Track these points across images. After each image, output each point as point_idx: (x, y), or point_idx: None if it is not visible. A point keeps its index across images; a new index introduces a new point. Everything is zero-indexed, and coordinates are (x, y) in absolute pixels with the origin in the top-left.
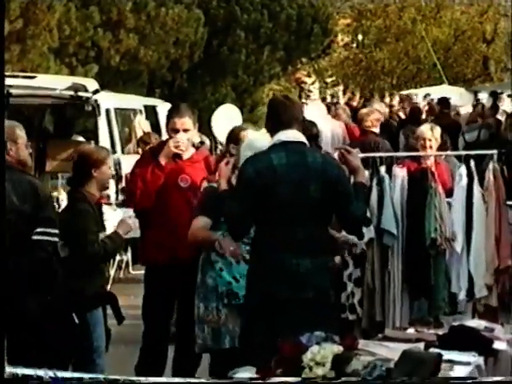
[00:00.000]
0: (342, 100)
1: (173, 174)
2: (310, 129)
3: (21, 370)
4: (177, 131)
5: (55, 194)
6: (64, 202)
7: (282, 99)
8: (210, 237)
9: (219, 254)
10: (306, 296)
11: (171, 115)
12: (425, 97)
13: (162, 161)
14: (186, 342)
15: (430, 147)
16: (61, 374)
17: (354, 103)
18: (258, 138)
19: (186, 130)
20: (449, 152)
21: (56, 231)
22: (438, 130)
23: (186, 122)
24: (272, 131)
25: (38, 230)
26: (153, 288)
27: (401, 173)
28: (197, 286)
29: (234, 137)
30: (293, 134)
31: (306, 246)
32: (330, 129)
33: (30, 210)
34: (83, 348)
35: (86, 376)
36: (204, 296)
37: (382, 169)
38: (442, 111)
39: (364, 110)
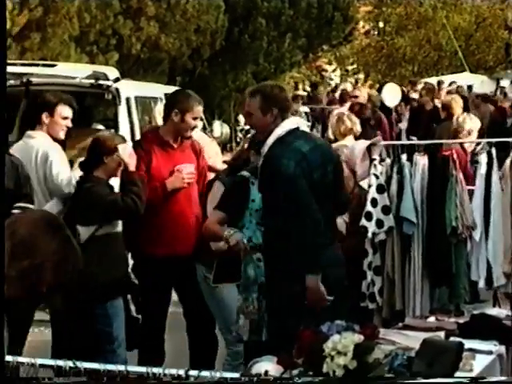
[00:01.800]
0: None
1: (167, 163)
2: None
3: (41, 361)
4: (196, 119)
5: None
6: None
7: (282, 87)
8: (218, 232)
9: (257, 246)
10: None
11: (191, 102)
12: (450, 84)
13: (168, 187)
14: (200, 333)
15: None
16: (81, 364)
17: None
18: None
19: (195, 118)
20: (470, 140)
21: (33, 207)
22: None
23: (201, 110)
24: (279, 112)
25: (17, 204)
26: (150, 281)
27: (421, 161)
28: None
29: None
30: (297, 121)
31: (329, 229)
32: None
33: (12, 186)
34: (103, 338)
35: (108, 368)
36: (244, 287)
37: (404, 156)
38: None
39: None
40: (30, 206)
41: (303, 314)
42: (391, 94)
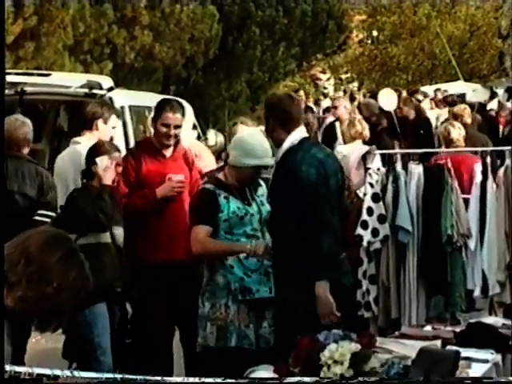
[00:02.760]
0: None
1: (159, 173)
2: None
3: (37, 370)
4: (167, 126)
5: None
6: None
7: (289, 98)
8: (230, 248)
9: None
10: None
11: (163, 108)
12: (435, 91)
13: (159, 195)
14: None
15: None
16: (78, 373)
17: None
18: (247, 137)
19: (177, 127)
20: (465, 148)
21: (54, 214)
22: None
23: (179, 118)
24: (283, 128)
25: (39, 211)
26: (150, 289)
27: (416, 169)
28: (203, 284)
29: (229, 130)
30: (304, 131)
31: (339, 237)
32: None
33: (34, 194)
34: (86, 345)
35: (102, 376)
36: (211, 294)
37: (398, 165)
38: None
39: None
40: (52, 214)
41: (311, 321)
42: (388, 99)
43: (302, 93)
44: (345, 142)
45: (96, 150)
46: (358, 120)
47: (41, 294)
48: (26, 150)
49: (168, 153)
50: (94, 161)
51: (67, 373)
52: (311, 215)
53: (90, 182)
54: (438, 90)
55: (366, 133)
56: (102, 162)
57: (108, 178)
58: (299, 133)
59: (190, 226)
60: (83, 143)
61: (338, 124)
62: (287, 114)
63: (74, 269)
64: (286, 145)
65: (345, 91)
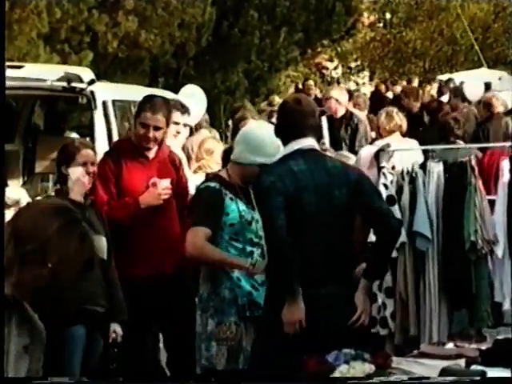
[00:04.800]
0: (369, 87)
1: (142, 177)
2: None
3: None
4: (147, 127)
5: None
6: None
7: (296, 106)
8: (228, 260)
9: None
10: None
11: (143, 108)
12: (446, 82)
13: (142, 204)
14: (184, 364)
15: None
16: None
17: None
18: (256, 131)
19: (157, 128)
20: (491, 144)
21: None
22: None
23: (160, 119)
24: (284, 139)
25: None
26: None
27: (436, 168)
28: (203, 298)
29: (234, 126)
30: (309, 142)
31: (333, 257)
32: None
33: None
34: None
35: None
36: (217, 310)
37: (416, 164)
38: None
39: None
40: None
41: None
42: (475, 90)
43: (311, 82)
44: (381, 136)
45: (65, 150)
46: (396, 112)
47: (37, 276)
48: None
49: (151, 154)
50: (65, 162)
51: (66, 379)
52: (265, 227)
53: (64, 188)
54: (450, 80)
55: (405, 125)
56: (74, 173)
57: (76, 192)
58: (298, 144)
59: (188, 227)
60: None
61: (324, 119)
62: (289, 124)
63: (75, 239)
64: (279, 156)
65: (356, 83)
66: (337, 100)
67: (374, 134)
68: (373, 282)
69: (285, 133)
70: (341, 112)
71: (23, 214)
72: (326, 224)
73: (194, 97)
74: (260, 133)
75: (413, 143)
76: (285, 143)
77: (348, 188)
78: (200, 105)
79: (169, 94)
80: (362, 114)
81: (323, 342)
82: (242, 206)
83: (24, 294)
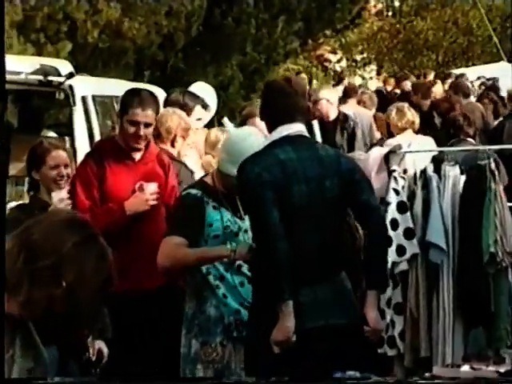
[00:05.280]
0: (376, 82)
1: (127, 180)
2: None
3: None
4: (137, 124)
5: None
6: None
7: (282, 84)
8: (204, 254)
9: (217, 278)
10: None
11: (131, 103)
12: (478, 79)
13: (128, 210)
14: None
15: None
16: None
17: (389, 87)
18: (239, 142)
19: (148, 125)
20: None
21: None
22: None
23: (150, 115)
24: (270, 124)
25: None
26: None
27: (452, 172)
28: (188, 317)
29: (241, 124)
30: (298, 128)
31: (325, 255)
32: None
33: None
34: None
35: None
36: (202, 329)
37: (430, 168)
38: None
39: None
40: None
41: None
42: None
43: (303, 76)
44: (390, 135)
45: (33, 153)
46: (407, 107)
47: (50, 296)
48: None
49: (138, 155)
50: (34, 166)
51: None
52: (253, 222)
53: (38, 195)
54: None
55: (418, 122)
56: (57, 196)
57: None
58: (286, 129)
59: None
60: None
61: (315, 123)
62: (277, 106)
63: (94, 257)
64: (264, 144)
65: (362, 77)
66: (328, 100)
67: (378, 135)
68: (376, 290)
69: (271, 116)
70: (333, 114)
71: (35, 227)
72: (317, 217)
73: (207, 93)
74: (243, 144)
75: (427, 141)
76: (271, 128)
77: (340, 178)
78: (214, 101)
79: (155, 89)
80: (368, 113)
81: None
82: (227, 216)
83: (33, 315)
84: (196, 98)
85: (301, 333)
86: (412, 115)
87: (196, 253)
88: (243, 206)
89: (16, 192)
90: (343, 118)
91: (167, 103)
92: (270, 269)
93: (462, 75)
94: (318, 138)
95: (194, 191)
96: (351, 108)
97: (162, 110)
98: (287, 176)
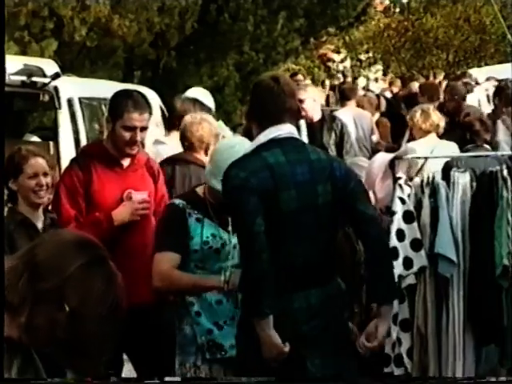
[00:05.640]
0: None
1: (114, 187)
2: None
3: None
4: (133, 129)
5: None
6: None
7: (270, 83)
8: (199, 282)
9: (196, 295)
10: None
11: (126, 106)
12: (487, 80)
13: (116, 220)
14: None
15: None
16: None
17: (395, 89)
18: (223, 154)
19: (143, 129)
20: None
21: None
22: None
23: (147, 118)
24: (257, 125)
25: None
26: None
27: (461, 179)
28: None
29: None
30: (287, 129)
31: (318, 266)
32: (353, 118)
33: None
34: None
35: None
36: (180, 349)
37: (438, 175)
38: None
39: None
40: None
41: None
42: None
43: (300, 77)
44: (413, 138)
45: (10, 161)
46: (433, 109)
47: (52, 320)
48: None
49: (126, 162)
50: (12, 176)
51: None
52: (237, 231)
53: (15, 208)
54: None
55: (443, 125)
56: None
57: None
58: (275, 131)
59: (153, 254)
60: (169, 143)
61: (303, 123)
62: (264, 106)
63: (100, 281)
64: (251, 147)
65: (367, 78)
66: (314, 100)
67: (375, 138)
68: (386, 305)
69: (258, 117)
70: (318, 114)
71: (40, 247)
72: (308, 224)
73: (206, 98)
74: (223, 152)
75: (452, 147)
76: (258, 130)
77: (332, 184)
78: (212, 106)
79: (147, 91)
80: (368, 116)
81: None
82: (210, 230)
83: (34, 339)
84: (203, 105)
85: (297, 338)
86: (437, 118)
87: (190, 279)
88: (231, 217)
89: None
90: (330, 118)
91: (177, 111)
92: (249, 281)
93: (463, 75)
94: (305, 139)
95: (177, 201)
96: (350, 110)
97: (187, 117)
98: (276, 181)
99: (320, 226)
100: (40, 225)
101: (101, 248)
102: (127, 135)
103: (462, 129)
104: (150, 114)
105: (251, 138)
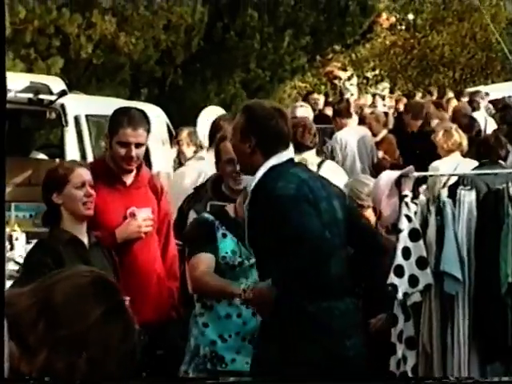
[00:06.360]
0: (388, 101)
1: (117, 205)
2: None
3: None
4: (127, 145)
5: (7, 230)
6: (19, 241)
7: (278, 112)
8: (222, 288)
9: (205, 306)
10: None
11: (121, 123)
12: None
13: (119, 238)
14: None
15: None
16: None
17: (402, 106)
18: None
19: (139, 145)
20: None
21: None
22: None
23: (142, 134)
24: (261, 153)
25: None
26: None
27: (467, 197)
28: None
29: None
30: (291, 153)
31: (345, 282)
32: (356, 137)
33: None
34: None
35: None
36: (189, 360)
37: (444, 192)
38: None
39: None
40: None
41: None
42: None
43: (316, 96)
44: (436, 156)
45: (52, 174)
46: (455, 128)
47: (70, 365)
48: None
49: (129, 179)
50: (55, 189)
51: None
52: (291, 239)
53: (59, 226)
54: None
55: (466, 144)
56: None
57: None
58: (283, 156)
59: (187, 261)
60: (208, 159)
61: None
62: (276, 134)
63: (120, 330)
64: (262, 171)
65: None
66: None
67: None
68: None
69: (269, 145)
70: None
71: (57, 288)
72: (336, 235)
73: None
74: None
75: (475, 165)
76: (264, 154)
77: (339, 201)
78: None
79: (153, 108)
80: (368, 133)
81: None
82: (231, 246)
83: (52, 380)
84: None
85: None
86: (459, 136)
87: (216, 285)
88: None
89: None
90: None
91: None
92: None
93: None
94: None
95: (206, 215)
96: (352, 129)
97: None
98: (313, 194)
99: (341, 238)
100: (86, 241)
101: (116, 289)
102: (122, 151)
103: (477, 145)
104: (148, 131)
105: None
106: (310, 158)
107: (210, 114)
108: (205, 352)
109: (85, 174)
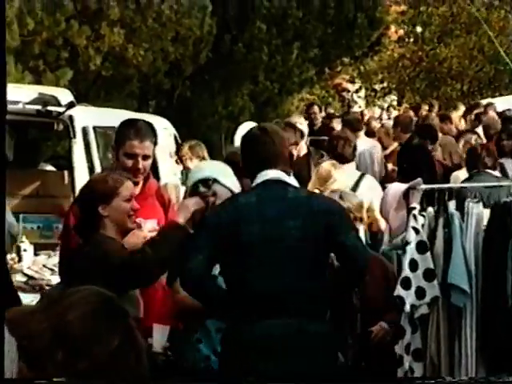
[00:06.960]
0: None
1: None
2: None
3: None
4: (133, 156)
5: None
6: (27, 253)
7: (257, 134)
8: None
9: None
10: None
11: (127, 135)
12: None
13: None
14: None
15: None
16: None
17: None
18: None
19: (146, 157)
20: None
21: None
22: None
23: (148, 146)
24: (249, 173)
25: None
26: None
27: (475, 209)
28: None
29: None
30: (273, 174)
31: (288, 301)
32: (365, 149)
33: None
34: None
35: None
36: (187, 374)
37: (452, 205)
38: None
39: None
40: None
41: None
42: None
43: (316, 109)
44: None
45: (101, 185)
46: (475, 139)
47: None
48: None
49: (136, 190)
50: (106, 199)
51: None
52: None
53: (101, 230)
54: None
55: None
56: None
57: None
58: (262, 176)
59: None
60: None
61: None
62: (251, 155)
63: (133, 360)
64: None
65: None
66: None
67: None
68: None
69: (248, 166)
70: (304, 149)
71: (69, 312)
72: (274, 256)
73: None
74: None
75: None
76: (250, 177)
77: (311, 219)
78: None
79: (161, 120)
80: (377, 146)
81: None
82: None
83: None
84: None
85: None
86: None
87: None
88: None
89: None
90: (316, 153)
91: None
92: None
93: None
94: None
95: None
96: (361, 141)
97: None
98: (236, 217)
99: (290, 258)
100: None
101: (127, 314)
102: (129, 163)
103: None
104: (154, 143)
105: None
106: (350, 170)
107: (246, 130)
108: (200, 367)
109: (132, 187)
